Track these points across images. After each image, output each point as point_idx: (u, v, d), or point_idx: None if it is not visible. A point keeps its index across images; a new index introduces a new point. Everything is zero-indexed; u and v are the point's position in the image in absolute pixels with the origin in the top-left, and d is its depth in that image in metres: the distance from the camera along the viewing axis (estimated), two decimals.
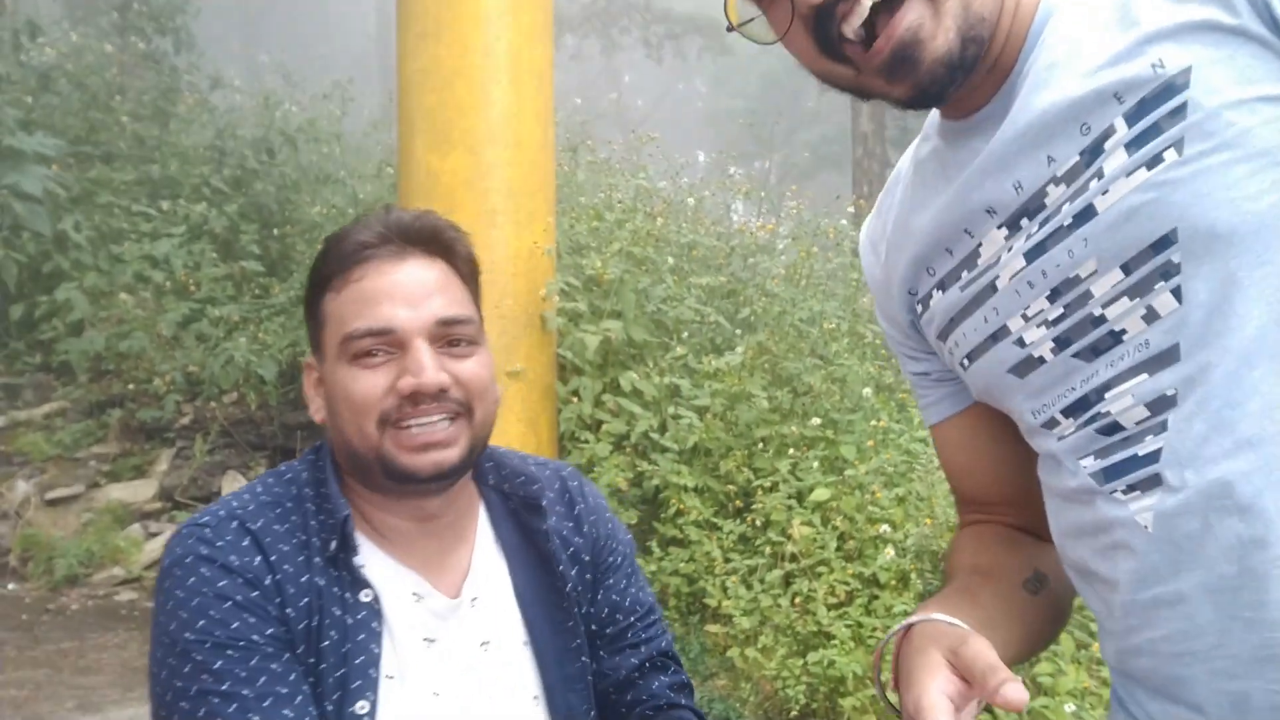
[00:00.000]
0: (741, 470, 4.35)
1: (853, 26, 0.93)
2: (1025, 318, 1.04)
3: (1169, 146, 0.90)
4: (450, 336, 1.28)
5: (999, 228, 1.05)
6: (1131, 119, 0.92)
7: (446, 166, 4.45)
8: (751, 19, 1.02)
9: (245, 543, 1.24)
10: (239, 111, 8.60)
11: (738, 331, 5.04)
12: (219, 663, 1.17)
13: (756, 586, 3.94)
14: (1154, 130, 0.90)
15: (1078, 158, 0.96)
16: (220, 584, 1.20)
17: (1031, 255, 1.02)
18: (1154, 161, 0.90)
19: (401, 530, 1.33)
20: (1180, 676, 0.99)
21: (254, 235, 6.88)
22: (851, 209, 7.01)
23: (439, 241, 1.33)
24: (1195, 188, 0.89)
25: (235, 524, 1.25)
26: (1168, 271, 0.91)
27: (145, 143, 7.65)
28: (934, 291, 1.16)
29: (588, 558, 1.46)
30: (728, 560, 4.10)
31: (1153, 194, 0.91)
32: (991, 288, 1.07)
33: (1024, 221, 1.02)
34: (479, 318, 1.35)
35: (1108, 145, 0.94)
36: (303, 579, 1.24)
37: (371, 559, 1.30)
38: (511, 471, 1.45)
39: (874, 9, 0.93)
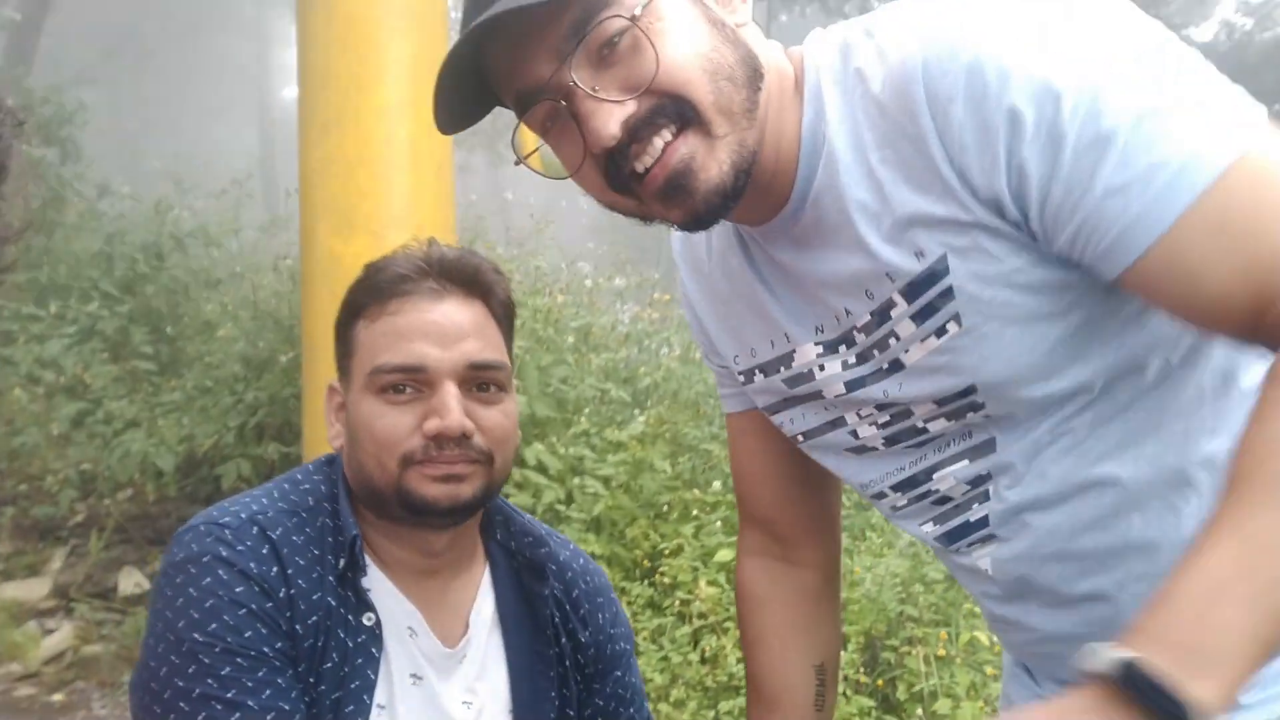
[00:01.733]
0: (647, 536, 4.46)
1: (644, 164, 0.97)
2: (859, 416, 1.16)
3: (950, 320, 1.00)
4: (480, 380, 1.26)
5: (816, 344, 1.14)
6: (908, 296, 1.02)
7: (349, 250, 4.55)
8: (535, 150, 1.07)
9: (265, 550, 1.21)
10: (128, 217, 8.57)
11: (636, 411, 5.20)
12: (226, 669, 1.14)
13: (667, 645, 4.02)
14: (931, 308, 1.01)
15: (869, 317, 1.07)
16: (237, 589, 1.17)
17: (852, 386, 1.13)
18: (941, 331, 1.01)
19: (405, 563, 1.32)
20: (1038, 664, 1.22)
21: (145, 337, 6.83)
22: None
23: (479, 282, 1.31)
24: (980, 352, 1.00)
25: (256, 530, 1.22)
26: (975, 405, 1.05)
27: (33, 249, 7.57)
28: (756, 373, 1.24)
29: (586, 640, 1.43)
30: (637, 621, 4.18)
31: (947, 357, 1.02)
32: (819, 394, 1.17)
33: (842, 348, 1.12)
34: (510, 363, 1.34)
35: (894, 314, 1.04)
36: (315, 596, 1.22)
37: (376, 583, 1.29)
38: (520, 530, 1.43)
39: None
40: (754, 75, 0.99)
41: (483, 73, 1.01)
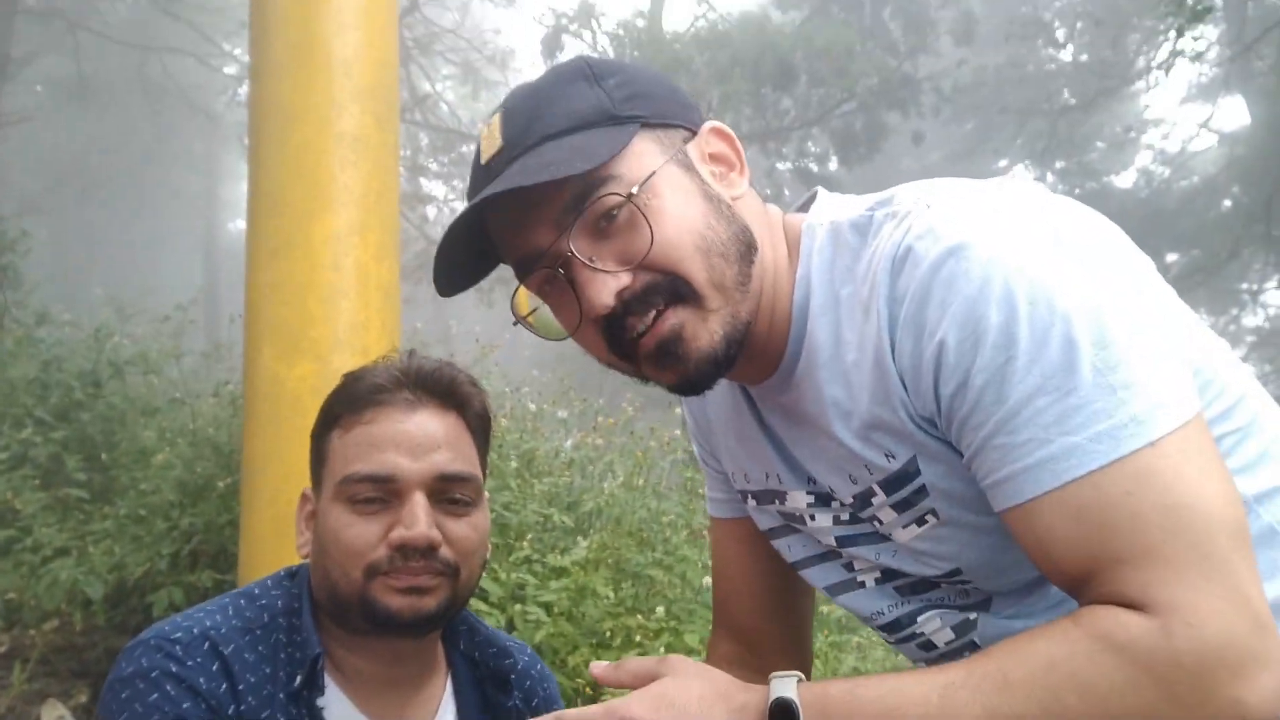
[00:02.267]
0: (589, 664, 4.39)
1: (639, 330, 1.03)
2: (853, 555, 1.19)
3: (928, 512, 1.05)
4: (450, 492, 1.27)
5: (807, 494, 1.18)
6: (886, 490, 1.07)
7: (294, 374, 4.55)
8: (535, 309, 1.12)
9: (215, 667, 1.19)
10: (66, 344, 8.49)
11: (579, 537, 5.17)
12: None
13: None
14: (908, 502, 1.06)
15: (851, 499, 1.12)
16: (184, 705, 1.16)
17: (843, 543, 1.17)
18: (921, 521, 1.07)
19: (366, 676, 1.30)
20: None
21: (78, 464, 6.71)
22: (679, 410, 7.33)
23: (455, 394, 1.32)
24: (961, 539, 1.05)
25: (207, 645, 1.21)
26: (964, 581, 1.10)
27: None
28: (749, 498, 1.28)
29: None
30: None
31: (930, 544, 1.08)
32: (812, 533, 1.21)
33: (834, 504, 1.16)
34: (483, 476, 1.35)
35: (874, 501, 1.09)
36: (264, 713, 1.21)
37: (332, 701, 1.27)
38: (485, 640, 1.43)
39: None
40: (746, 250, 1.05)
41: (484, 233, 1.06)
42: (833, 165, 20.00)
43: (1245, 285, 23.07)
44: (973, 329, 0.91)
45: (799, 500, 1.18)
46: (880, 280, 0.99)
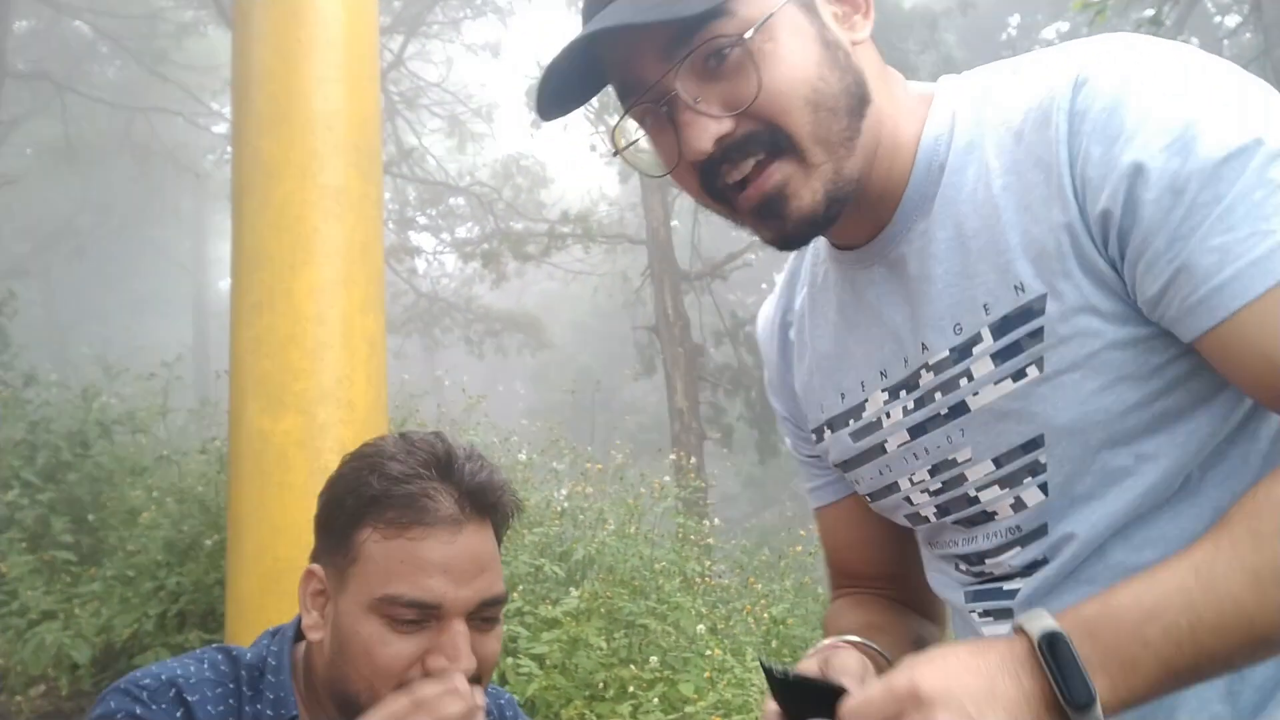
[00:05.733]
0: (583, 717, 4.33)
1: (735, 179, 0.99)
2: (912, 482, 1.14)
3: (1031, 363, 0.99)
4: (485, 615, 1.27)
5: (883, 390, 1.14)
6: (997, 332, 1.01)
7: (279, 428, 4.52)
8: (635, 140, 1.08)
9: (179, 714, 1.22)
10: (53, 405, 8.44)
11: (571, 589, 5.12)
12: None
13: None
14: (1016, 347, 1.00)
15: (947, 353, 1.05)
16: None
17: (915, 432, 1.12)
18: (1019, 375, 1.00)
19: None
20: None
21: (65, 526, 6.65)
22: (673, 456, 7.31)
23: (499, 508, 1.31)
24: (1057, 400, 0.99)
25: (174, 692, 1.23)
26: (1035, 469, 1.03)
27: None
28: (825, 429, 1.23)
29: None
30: None
31: (1020, 403, 1.01)
32: (882, 448, 1.16)
33: (903, 394, 1.11)
34: None
35: (976, 350, 1.03)
36: None
37: None
38: None
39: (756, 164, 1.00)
40: (858, 104, 1.01)
41: (592, 56, 1.02)
42: None
43: None
44: (1181, 132, 0.89)
45: (876, 401, 1.14)
46: (1059, 96, 0.96)
